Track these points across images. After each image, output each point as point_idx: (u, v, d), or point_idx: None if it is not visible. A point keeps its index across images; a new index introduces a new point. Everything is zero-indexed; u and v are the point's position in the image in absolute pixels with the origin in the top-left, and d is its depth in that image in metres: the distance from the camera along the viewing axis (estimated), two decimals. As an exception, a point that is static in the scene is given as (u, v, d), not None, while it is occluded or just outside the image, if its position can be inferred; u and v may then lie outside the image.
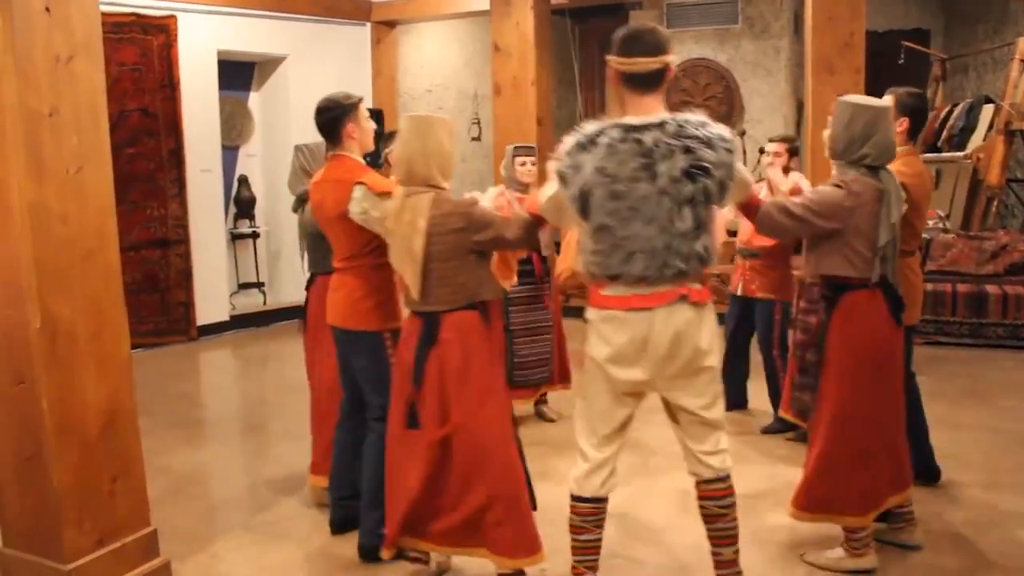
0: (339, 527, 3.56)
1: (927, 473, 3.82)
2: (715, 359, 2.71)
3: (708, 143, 2.51)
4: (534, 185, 4.58)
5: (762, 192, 4.04)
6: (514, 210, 3.16)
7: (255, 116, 8.65)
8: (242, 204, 8.42)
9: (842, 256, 3.03)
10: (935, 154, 8.10)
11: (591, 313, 2.70)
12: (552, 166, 2.67)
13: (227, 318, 8.01)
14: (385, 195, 3.12)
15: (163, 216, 7.40)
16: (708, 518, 2.79)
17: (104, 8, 3.10)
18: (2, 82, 2.68)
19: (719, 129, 2.57)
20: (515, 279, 4.15)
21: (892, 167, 3.12)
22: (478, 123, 10.70)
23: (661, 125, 2.52)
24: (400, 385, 3.00)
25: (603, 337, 2.66)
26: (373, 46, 9.03)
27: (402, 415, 2.97)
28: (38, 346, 2.77)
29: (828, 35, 5.84)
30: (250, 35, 7.97)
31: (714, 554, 2.81)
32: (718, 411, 2.76)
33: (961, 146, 8.06)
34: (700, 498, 2.79)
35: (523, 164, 4.75)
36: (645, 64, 2.57)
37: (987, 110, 7.93)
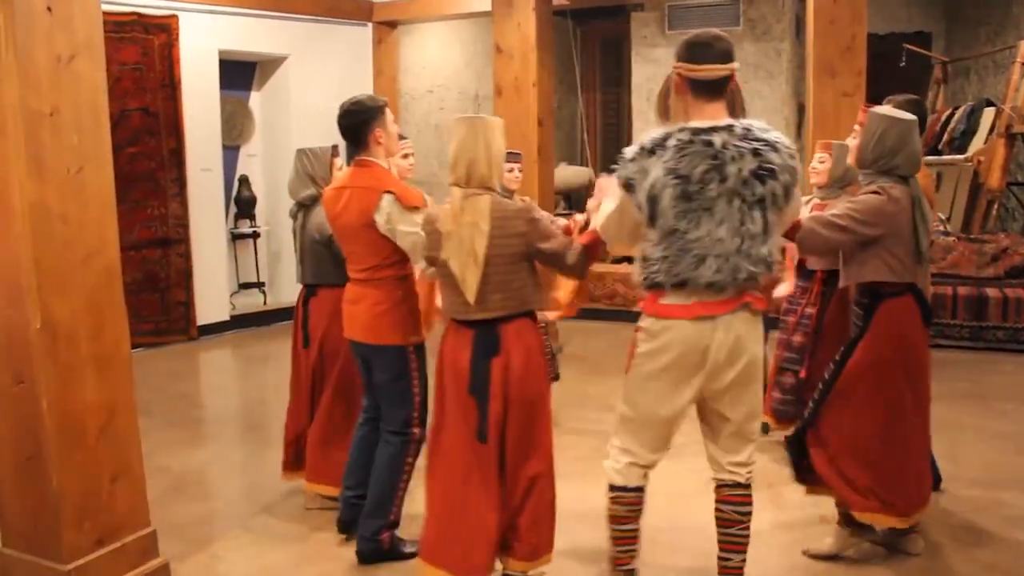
0: (347, 527, 3.49)
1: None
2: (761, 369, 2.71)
3: (773, 147, 2.53)
4: (519, 193, 4.52)
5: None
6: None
7: (256, 116, 8.65)
8: (242, 204, 8.42)
9: (881, 261, 3.08)
10: (936, 157, 8.10)
11: (647, 322, 2.67)
12: (610, 181, 2.68)
13: (227, 318, 8.00)
14: (414, 209, 3.08)
15: (163, 216, 7.39)
16: (723, 522, 2.79)
17: (105, 7, 3.09)
18: (3, 82, 2.68)
19: (781, 135, 2.59)
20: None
21: None
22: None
23: (728, 128, 2.53)
24: (453, 397, 2.89)
25: (661, 347, 2.63)
26: (374, 46, 9.03)
27: (462, 427, 2.86)
28: (38, 346, 2.77)
29: (829, 38, 5.83)
30: (251, 35, 7.97)
31: (721, 559, 2.81)
32: (757, 423, 2.77)
33: (962, 149, 8.06)
34: (719, 501, 2.79)
35: (510, 170, 4.69)
36: (715, 71, 2.58)
37: (988, 113, 7.94)
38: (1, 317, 2.86)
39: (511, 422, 2.84)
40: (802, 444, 3.24)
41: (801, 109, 8.54)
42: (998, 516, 3.65)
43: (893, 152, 3.09)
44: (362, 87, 8.68)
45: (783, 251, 3.17)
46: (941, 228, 7.43)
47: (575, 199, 10.35)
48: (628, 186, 2.58)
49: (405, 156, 3.82)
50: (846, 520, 3.29)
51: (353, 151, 3.27)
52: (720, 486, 2.79)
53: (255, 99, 8.68)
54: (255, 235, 8.48)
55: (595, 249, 2.90)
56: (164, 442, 4.83)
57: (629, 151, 2.59)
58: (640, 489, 2.80)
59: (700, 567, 3.05)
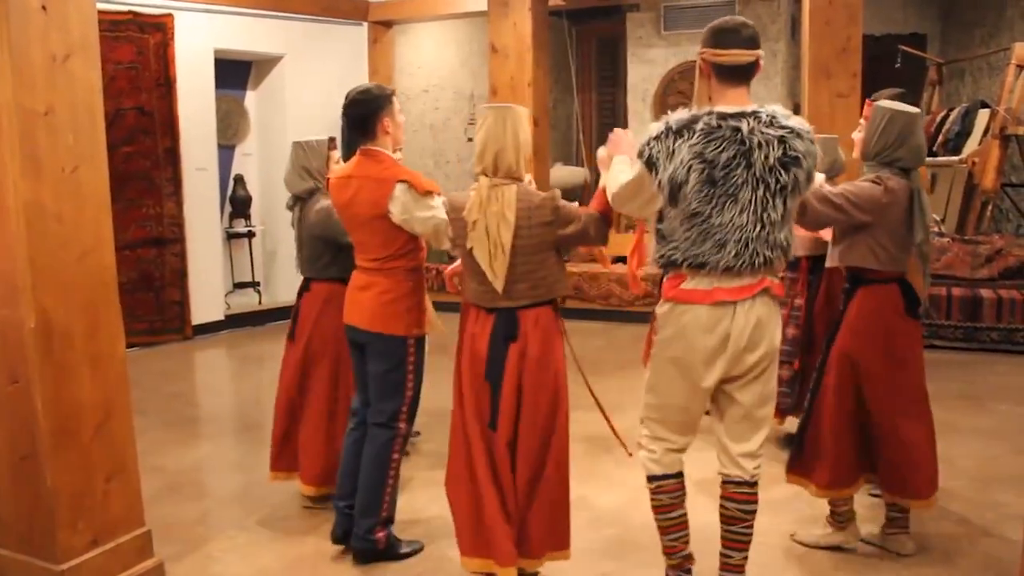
0: (342, 539, 3.42)
1: None
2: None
3: (798, 134, 2.54)
4: None
5: None
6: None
7: (251, 115, 8.64)
8: (238, 203, 8.40)
9: (867, 248, 3.14)
10: (931, 158, 8.11)
11: (667, 307, 2.68)
12: (625, 136, 2.75)
13: (222, 317, 7.99)
14: (428, 194, 3.08)
15: (159, 215, 7.38)
16: (727, 519, 2.79)
17: (101, 6, 3.09)
18: (-2, 81, 2.68)
19: (802, 120, 2.60)
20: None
21: None
22: (474, 124, 10.70)
23: (755, 114, 2.53)
24: (469, 384, 2.91)
25: (680, 332, 2.65)
26: (370, 46, 9.02)
27: (476, 413, 2.88)
28: (33, 345, 2.76)
29: (825, 39, 5.85)
30: (247, 34, 7.96)
31: (723, 556, 2.82)
32: (769, 409, 2.77)
33: (957, 150, 8.08)
34: (724, 498, 2.79)
35: None
36: (741, 56, 2.58)
37: (983, 115, 7.96)
38: (-5, 316, 2.85)
39: (525, 410, 2.83)
40: (803, 437, 3.30)
41: (796, 110, 8.55)
42: (993, 516, 3.66)
43: (896, 144, 3.11)
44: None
45: None
46: (936, 229, 7.44)
47: (570, 199, 10.33)
48: (650, 164, 2.57)
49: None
50: (835, 518, 3.35)
51: (360, 140, 3.24)
52: (725, 482, 2.78)
53: (250, 98, 8.67)
54: (250, 234, 8.47)
55: (610, 214, 2.91)
56: (159, 442, 4.83)
57: (655, 128, 2.58)
58: (679, 475, 2.83)
59: (701, 566, 3.05)
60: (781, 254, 2.61)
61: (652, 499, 2.84)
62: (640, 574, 3.24)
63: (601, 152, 3.03)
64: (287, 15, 8.18)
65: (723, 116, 2.53)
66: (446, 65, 10.63)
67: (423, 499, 3.97)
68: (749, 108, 2.56)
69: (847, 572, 3.23)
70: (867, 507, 3.63)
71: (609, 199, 2.82)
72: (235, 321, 8.09)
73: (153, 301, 7.41)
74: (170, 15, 7.26)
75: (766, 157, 2.50)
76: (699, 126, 2.52)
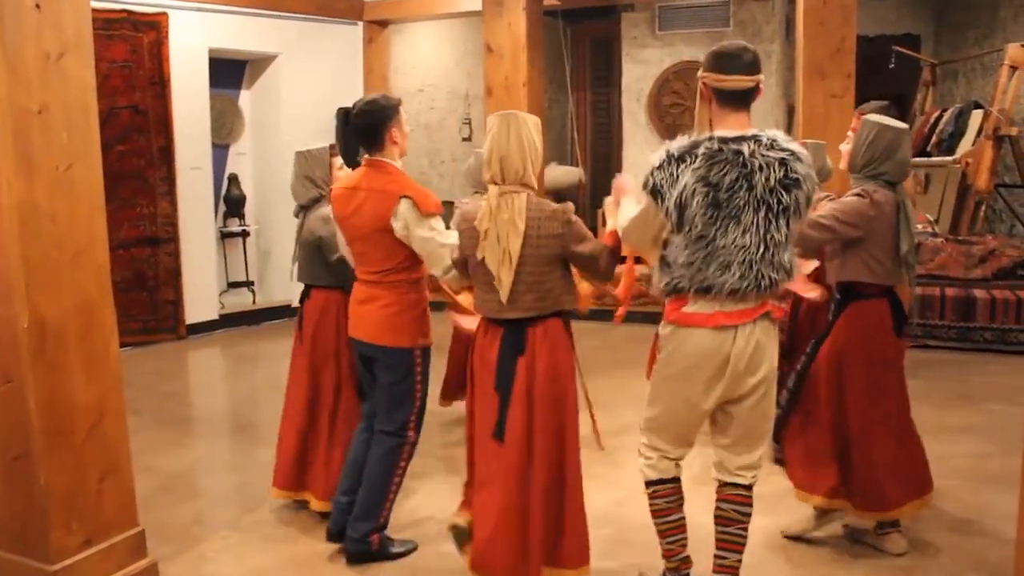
0: (337, 537, 3.41)
1: None
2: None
3: (798, 157, 2.57)
4: None
5: None
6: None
7: (246, 114, 8.62)
8: (232, 203, 8.38)
9: (861, 262, 3.21)
10: (925, 158, 8.14)
11: (669, 329, 2.71)
12: (628, 180, 2.81)
13: (216, 317, 7.97)
14: (429, 215, 3.06)
15: (152, 214, 7.36)
16: (723, 521, 2.81)
17: (95, 4, 3.08)
18: (-8, 79, 2.67)
19: (799, 146, 2.64)
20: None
21: None
22: (469, 123, 10.70)
23: (755, 138, 2.56)
24: (481, 396, 2.91)
25: (681, 354, 2.68)
26: (365, 45, 9.01)
27: (488, 425, 2.88)
28: (26, 345, 2.76)
29: (819, 40, 5.85)
30: (242, 33, 7.94)
31: (717, 557, 2.84)
32: (768, 425, 2.81)
33: (950, 151, 8.10)
34: (720, 500, 2.82)
35: None
36: (741, 82, 2.61)
37: (976, 115, 7.98)
38: (-11, 316, 2.84)
39: (536, 423, 2.83)
40: (778, 434, 3.42)
41: (791, 111, 8.56)
42: (986, 516, 3.68)
43: (882, 158, 3.19)
44: (352, 86, 8.67)
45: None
46: (929, 230, 7.46)
47: (565, 198, 10.34)
48: (656, 193, 2.59)
49: None
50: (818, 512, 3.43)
51: (366, 151, 3.22)
52: (722, 484, 2.82)
53: (245, 97, 8.65)
54: (244, 234, 8.45)
55: (619, 251, 2.92)
56: (152, 441, 4.81)
57: (656, 158, 2.61)
58: (676, 480, 2.88)
59: (699, 568, 3.05)
60: (785, 275, 2.63)
61: (650, 503, 2.90)
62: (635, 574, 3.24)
63: (608, 201, 3.05)
64: (282, 14, 8.16)
65: (724, 140, 2.56)
66: (441, 65, 10.62)
67: (416, 500, 3.97)
68: (750, 132, 2.59)
69: (840, 572, 3.24)
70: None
71: (620, 235, 2.85)
72: (229, 320, 8.07)
73: (147, 300, 7.39)
74: (164, 14, 7.25)
75: (767, 179, 2.53)
76: (701, 151, 2.55)
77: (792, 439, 3.47)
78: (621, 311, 3.15)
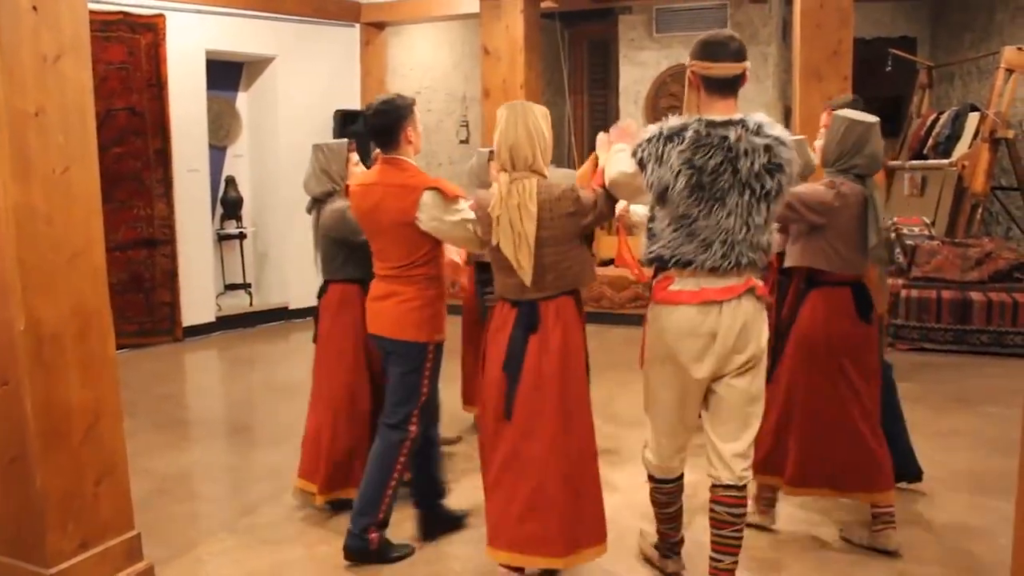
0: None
1: (907, 472, 3.84)
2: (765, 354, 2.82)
3: (782, 142, 2.64)
4: None
5: None
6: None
7: (243, 116, 8.61)
8: (229, 205, 8.37)
9: (819, 249, 3.27)
10: (921, 161, 8.15)
11: (657, 310, 2.78)
12: (630, 125, 2.89)
13: (213, 319, 7.96)
14: (456, 199, 3.12)
15: (149, 216, 7.35)
16: (717, 523, 2.82)
17: (92, 6, 3.07)
18: (-12, 81, 2.66)
19: (784, 130, 2.71)
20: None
21: None
22: (466, 126, 10.71)
23: (742, 123, 2.63)
24: (492, 379, 2.93)
25: (667, 332, 2.74)
26: (362, 47, 9.01)
27: (497, 406, 2.91)
28: (22, 347, 2.75)
29: (816, 42, 5.87)
30: (239, 35, 7.94)
31: (713, 560, 2.84)
32: (757, 408, 2.83)
33: (947, 154, 8.11)
34: (713, 502, 2.83)
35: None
36: (728, 68, 2.68)
37: (972, 118, 7.98)
38: (-15, 318, 2.83)
39: (547, 401, 2.85)
40: None
41: (787, 113, 8.58)
42: (982, 518, 3.68)
43: (852, 152, 3.25)
44: (349, 88, 8.67)
45: None
46: (926, 232, 7.47)
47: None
48: (641, 164, 2.69)
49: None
50: (760, 501, 3.52)
51: (382, 149, 3.29)
52: (715, 486, 2.83)
53: (242, 99, 8.64)
54: (241, 236, 8.44)
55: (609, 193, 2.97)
56: (149, 444, 4.81)
57: (650, 131, 2.69)
58: (679, 479, 2.97)
59: (689, 570, 3.05)
60: (763, 255, 2.72)
61: (651, 495, 3.01)
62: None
63: (602, 136, 3.11)
64: (279, 16, 8.16)
65: (712, 124, 2.63)
66: (439, 67, 10.63)
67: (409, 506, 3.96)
68: (736, 117, 2.65)
69: (842, 570, 3.24)
70: (853, 510, 3.64)
71: (607, 182, 2.90)
72: (226, 323, 8.06)
73: (144, 302, 7.38)
74: (161, 16, 7.25)
75: (752, 164, 2.60)
76: (688, 133, 2.62)
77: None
78: (638, 271, 3.20)
